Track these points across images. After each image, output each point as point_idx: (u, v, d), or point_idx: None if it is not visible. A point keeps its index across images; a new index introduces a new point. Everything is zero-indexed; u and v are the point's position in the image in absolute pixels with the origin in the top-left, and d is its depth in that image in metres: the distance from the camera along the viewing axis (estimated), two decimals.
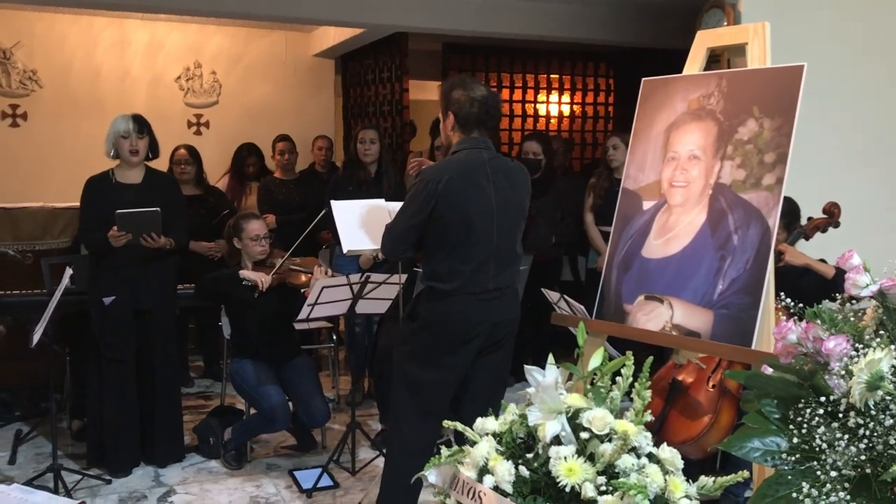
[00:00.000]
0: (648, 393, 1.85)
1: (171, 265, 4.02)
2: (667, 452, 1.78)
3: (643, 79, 2.87)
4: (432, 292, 2.92)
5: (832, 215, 3.28)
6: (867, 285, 1.47)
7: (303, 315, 3.68)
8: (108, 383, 3.89)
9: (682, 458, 1.78)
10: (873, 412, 1.31)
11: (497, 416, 1.92)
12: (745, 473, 1.68)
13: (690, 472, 1.77)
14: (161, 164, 4.75)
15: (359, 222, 3.71)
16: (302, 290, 3.95)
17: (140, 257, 3.80)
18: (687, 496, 1.70)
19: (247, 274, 3.87)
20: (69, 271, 3.55)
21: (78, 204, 3.88)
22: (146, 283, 3.87)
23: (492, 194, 2.86)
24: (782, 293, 1.65)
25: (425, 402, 2.97)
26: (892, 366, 1.32)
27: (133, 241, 3.69)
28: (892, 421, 1.30)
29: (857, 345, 1.40)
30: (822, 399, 1.38)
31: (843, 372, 1.36)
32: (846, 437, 1.33)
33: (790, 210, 3.25)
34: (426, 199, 2.84)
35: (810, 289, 3.06)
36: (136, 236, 3.69)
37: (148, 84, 7.14)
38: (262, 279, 3.83)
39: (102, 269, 3.83)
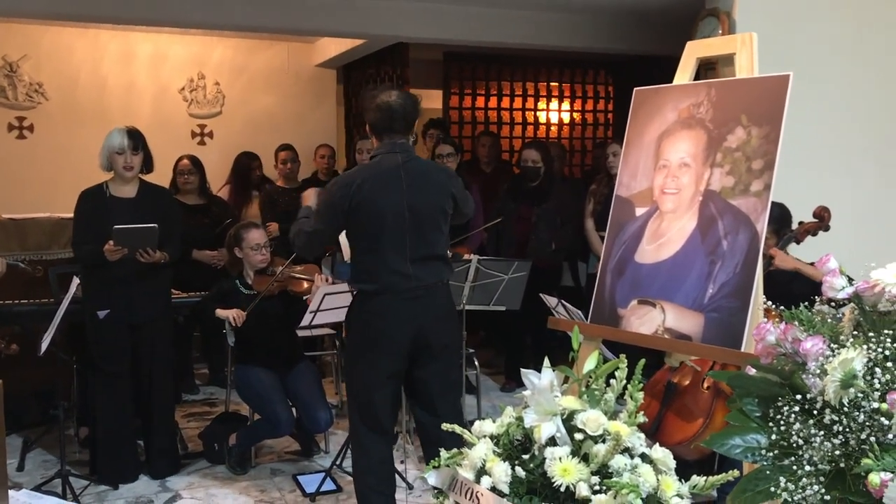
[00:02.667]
0: (641, 395, 1.90)
1: (166, 278, 4.03)
2: (659, 452, 1.83)
3: (635, 89, 2.94)
4: (362, 294, 3.03)
5: (822, 219, 3.33)
6: (843, 288, 1.53)
7: (305, 322, 3.75)
8: (105, 395, 3.91)
9: (680, 460, 1.83)
10: (847, 409, 1.37)
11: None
12: (736, 472, 1.73)
13: (688, 474, 1.82)
14: (164, 173, 4.83)
15: None
16: (304, 298, 4.02)
17: (134, 271, 3.79)
18: (679, 495, 1.75)
19: (220, 313, 3.93)
20: (76, 281, 3.59)
21: None
22: (140, 296, 3.86)
23: (403, 195, 2.95)
24: (766, 299, 1.71)
25: (368, 405, 3.05)
26: (865, 365, 1.38)
27: (128, 256, 3.70)
28: (864, 417, 1.36)
29: (832, 345, 1.46)
30: (799, 397, 1.44)
31: (818, 371, 1.42)
32: (822, 433, 1.39)
33: (781, 215, 3.30)
34: (341, 198, 2.95)
35: (801, 293, 3.10)
36: (132, 252, 3.70)
37: (153, 95, 7.23)
38: (236, 316, 3.88)
39: (96, 282, 3.82)
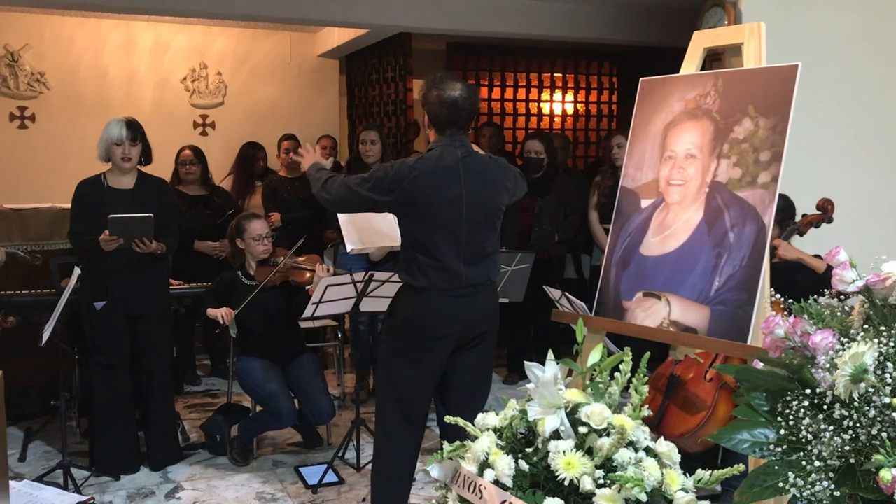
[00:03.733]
0: (646, 388, 1.88)
1: (163, 269, 4.00)
2: (664, 446, 1.81)
3: (641, 79, 2.91)
4: (408, 289, 2.97)
5: (825, 211, 3.31)
6: (853, 281, 1.51)
7: (307, 313, 3.72)
8: (103, 387, 3.88)
9: (683, 453, 1.82)
10: (857, 404, 1.35)
11: (481, 410, 1.96)
12: (741, 467, 1.71)
13: (692, 467, 1.81)
14: (166, 164, 4.81)
15: (363, 221, 3.74)
16: (306, 288, 4.00)
17: (131, 262, 3.76)
18: (683, 489, 1.73)
19: (211, 312, 3.90)
20: (77, 271, 3.58)
21: None
22: (138, 287, 3.83)
23: (462, 190, 2.90)
24: (773, 290, 1.69)
25: (406, 399, 3.01)
26: (875, 359, 1.36)
27: (124, 246, 3.67)
28: (875, 412, 1.34)
29: (842, 339, 1.44)
30: (808, 391, 1.42)
31: (828, 365, 1.40)
32: (831, 428, 1.37)
33: (784, 206, 3.28)
34: (391, 184, 2.87)
35: (805, 284, 3.09)
36: (128, 241, 3.67)
37: (154, 85, 7.21)
38: (225, 316, 3.86)
39: (93, 273, 3.78)
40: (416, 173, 2.88)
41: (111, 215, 3.61)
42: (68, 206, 4.47)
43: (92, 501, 3.29)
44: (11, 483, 2.95)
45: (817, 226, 3.33)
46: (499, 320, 3.11)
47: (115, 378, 3.88)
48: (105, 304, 3.79)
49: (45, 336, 3.46)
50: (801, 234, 3.37)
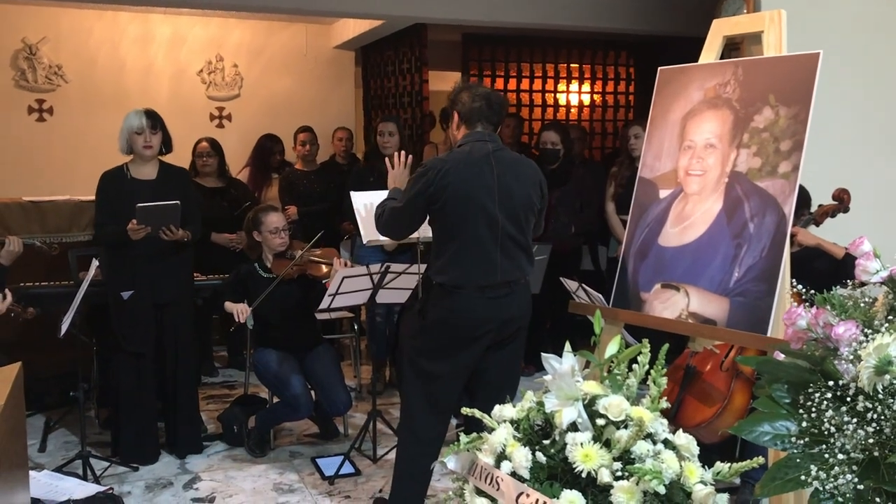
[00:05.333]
0: (664, 380, 1.87)
1: (187, 258, 4.04)
2: (682, 439, 1.80)
3: (659, 68, 2.88)
4: (442, 289, 2.94)
5: (842, 201, 3.28)
6: (877, 271, 1.49)
7: (324, 305, 3.73)
8: (129, 377, 3.93)
9: (699, 444, 1.80)
10: (881, 396, 1.33)
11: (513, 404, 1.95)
12: (761, 459, 1.69)
13: (709, 459, 1.79)
14: (183, 156, 4.82)
15: None
16: (323, 282, 4.00)
17: (156, 251, 3.81)
18: (702, 482, 1.72)
19: (229, 307, 3.91)
20: (96, 263, 3.60)
21: None
22: (164, 276, 3.88)
23: (495, 183, 2.88)
24: (794, 280, 1.67)
25: (435, 393, 3.00)
26: None
27: (152, 234, 3.72)
28: None
29: (866, 330, 1.42)
30: (831, 384, 1.40)
31: (851, 357, 1.38)
32: (855, 420, 1.35)
33: (800, 196, 3.24)
34: (425, 184, 2.88)
35: (823, 270, 3.07)
36: (156, 230, 3.72)
37: (171, 77, 7.23)
38: (242, 312, 3.86)
39: (119, 263, 3.84)
40: (449, 165, 2.88)
41: (139, 204, 3.66)
42: (87, 198, 4.51)
43: (111, 491, 3.31)
44: (32, 473, 2.98)
45: (833, 215, 3.31)
46: (530, 317, 3.10)
47: (141, 367, 3.92)
48: (132, 293, 3.83)
49: (64, 327, 3.48)
50: (818, 223, 3.34)
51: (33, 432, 4.21)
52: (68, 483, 3.20)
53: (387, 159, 3.40)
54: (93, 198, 3.97)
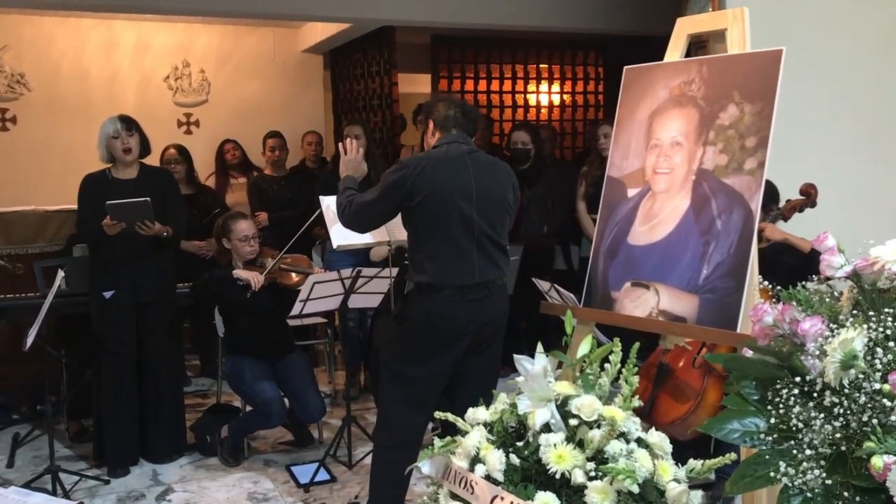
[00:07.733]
0: (636, 379, 1.87)
1: (169, 259, 4.07)
2: (655, 437, 1.80)
3: (625, 67, 2.89)
4: (420, 291, 2.94)
5: (809, 196, 3.32)
6: (841, 266, 1.49)
7: (295, 311, 3.70)
8: (109, 378, 3.93)
9: (675, 441, 1.80)
10: (847, 391, 1.34)
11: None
12: (733, 455, 1.70)
13: (684, 456, 1.80)
14: (152, 163, 4.76)
15: None
16: (297, 289, 3.97)
17: (138, 251, 3.85)
18: (676, 479, 1.72)
19: (240, 273, 3.89)
20: (62, 273, 3.56)
21: (70, 206, 3.95)
22: (145, 276, 3.92)
23: (472, 182, 2.90)
24: (761, 277, 1.68)
25: (414, 397, 2.99)
26: (865, 345, 1.34)
27: (127, 230, 3.75)
28: (865, 399, 1.32)
29: (831, 325, 1.42)
30: (798, 379, 1.41)
31: (818, 352, 1.38)
32: (822, 415, 1.35)
33: (768, 192, 3.27)
34: (402, 178, 2.89)
35: (792, 265, 3.10)
36: (130, 225, 3.75)
37: (137, 84, 7.14)
38: (256, 279, 3.85)
39: (101, 263, 3.89)
40: (426, 163, 2.90)
41: (109, 202, 3.69)
42: (53, 208, 4.51)
43: None
44: None
45: (801, 210, 3.34)
46: (507, 318, 3.11)
47: (123, 368, 3.93)
48: (114, 293, 3.86)
49: (30, 340, 3.42)
50: (786, 219, 3.38)
51: (1, 448, 4.14)
52: (36, 499, 3.10)
53: (339, 144, 3.40)
54: (58, 207, 3.99)
